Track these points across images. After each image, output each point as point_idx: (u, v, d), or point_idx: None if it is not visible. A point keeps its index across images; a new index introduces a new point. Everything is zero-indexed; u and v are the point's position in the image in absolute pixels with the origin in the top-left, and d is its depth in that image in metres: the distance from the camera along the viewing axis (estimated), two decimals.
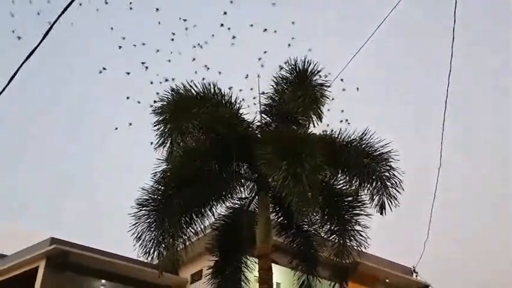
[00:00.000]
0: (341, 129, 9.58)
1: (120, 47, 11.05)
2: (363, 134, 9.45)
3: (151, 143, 8.76)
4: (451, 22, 7.88)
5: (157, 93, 9.63)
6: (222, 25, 10.75)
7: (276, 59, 10.44)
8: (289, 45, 10.98)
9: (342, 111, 10.52)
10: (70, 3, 5.02)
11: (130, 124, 11.32)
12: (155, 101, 9.23)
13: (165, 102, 9.05)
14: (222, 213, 10.19)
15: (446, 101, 9.34)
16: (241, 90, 10.09)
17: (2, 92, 5.56)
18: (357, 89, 10.82)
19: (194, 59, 11.05)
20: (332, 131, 9.72)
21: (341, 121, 9.84)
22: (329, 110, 9.98)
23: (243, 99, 9.54)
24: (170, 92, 9.14)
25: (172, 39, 11.05)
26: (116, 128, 11.96)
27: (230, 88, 9.90)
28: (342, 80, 10.28)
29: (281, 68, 10.01)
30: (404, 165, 9.34)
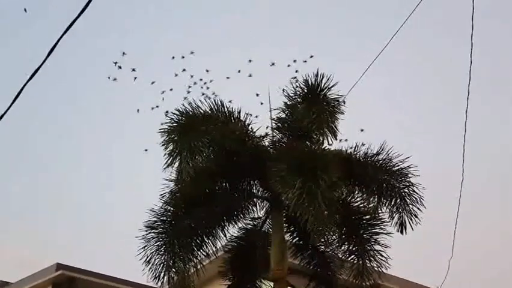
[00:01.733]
0: (356, 144, 9.53)
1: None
2: (380, 148, 9.39)
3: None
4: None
5: (166, 112, 9.67)
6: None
7: (286, 74, 10.44)
8: (294, 61, 10.95)
9: (362, 130, 10.46)
10: (75, 20, 5.00)
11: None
12: (162, 124, 9.23)
13: (173, 122, 9.09)
14: (234, 235, 10.14)
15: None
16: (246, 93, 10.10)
17: (9, 108, 5.58)
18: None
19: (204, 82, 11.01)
20: (347, 146, 9.72)
21: (362, 130, 9.79)
22: (343, 119, 9.91)
23: (250, 114, 9.55)
24: (177, 111, 9.17)
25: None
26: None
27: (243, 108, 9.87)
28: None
29: (293, 80, 10.04)
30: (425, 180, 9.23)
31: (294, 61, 10.26)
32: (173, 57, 11.51)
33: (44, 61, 5.10)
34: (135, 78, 11.48)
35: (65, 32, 4.99)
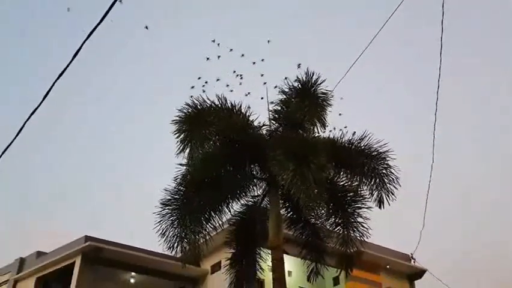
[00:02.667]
0: (342, 132, 9.62)
1: None
2: (362, 136, 9.49)
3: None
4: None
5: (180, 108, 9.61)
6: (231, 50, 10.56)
7: (282, 72, 10.39)
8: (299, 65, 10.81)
9: (340, 114, 10.41)
10: (99, 23, 5.06)
11: None
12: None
13: (184, 114, 9.16)
14: (238, 210, 10.21)
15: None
16: (248, 93, 10.06)
17: (39, 105, 5.71)
18: (341, 98, 10.47)
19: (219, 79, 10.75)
20: (334, 134, 9.75)
21: (345, 127, 9.72)
22: (331, 111, 9.94)
23: (249, 107, 9.47)
24: (187, 105, 9.22)
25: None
26: None
27: (247, 94, 9.82)
28: (341, 98, 10.15)
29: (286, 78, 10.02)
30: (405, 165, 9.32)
31: (298, 66, 9.98)
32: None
33: (73, 57, 5.24)
34: None
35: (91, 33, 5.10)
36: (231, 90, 9.72)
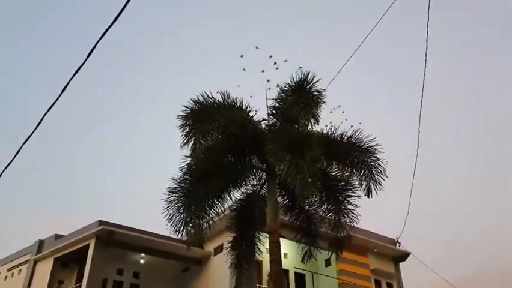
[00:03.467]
0: (335, 127, 9.57)
1: None
2: (354, 130, 9.48)
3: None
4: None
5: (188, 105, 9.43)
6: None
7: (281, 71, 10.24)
8: (286, 61, 10.68)
9: (331, 112, 10.29)
10: (115, 20, 4.94)
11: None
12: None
13: (189, 109, 9.10)
14: (238, 198, 10.21)
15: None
16: (251, 96, 9.93)
17: (57, 99, 5.63)
18: (339, 106, 10.25)
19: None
20: (327, 129, 9.67)
21: (342, 122, 9.60)
22: (324, 108, 9.83)
23: (248, 102, 9.35)
24: (192, 100, 9.17)
25: None
26: None
27: (251, 96, 9.55)
28: (333, 109, 9.95)
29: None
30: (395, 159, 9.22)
31: (285, 61, 9.86)
32: None
33: (90, 53, 5.14)
34: None
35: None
36: (238, 86, 9.48)
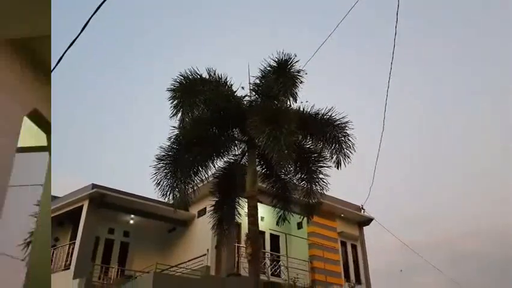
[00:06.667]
0: (310, 104, 9.67)
1: None
2: (327, 109, 9.62)
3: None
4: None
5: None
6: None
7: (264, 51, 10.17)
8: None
9: (307, 101, 10.34)
10: None
11: None
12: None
13: (177, 83, 9.01)
14: (221, 166, 10.28)
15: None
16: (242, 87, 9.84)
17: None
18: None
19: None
20: (304, 105, 9.77)
21: (307, 101, 9.59)
22: (302, 88, 9.85)
23: (231, 79, 9.31)
24: (181, 75, 9.06)
25: None
26: None
27: (243, 88, 9.46)
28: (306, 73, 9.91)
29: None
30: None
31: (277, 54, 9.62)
32: None
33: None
34: None
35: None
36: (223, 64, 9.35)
